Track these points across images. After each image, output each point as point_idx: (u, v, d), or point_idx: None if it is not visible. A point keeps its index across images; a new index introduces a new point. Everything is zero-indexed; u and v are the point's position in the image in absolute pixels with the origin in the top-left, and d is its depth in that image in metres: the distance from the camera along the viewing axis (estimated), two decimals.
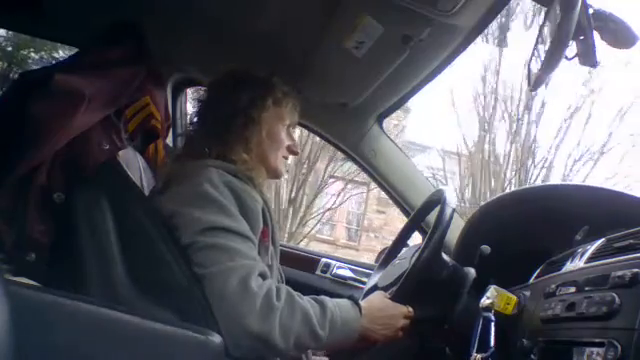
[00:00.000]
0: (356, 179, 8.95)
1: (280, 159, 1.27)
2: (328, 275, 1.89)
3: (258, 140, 1.22)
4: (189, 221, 1.07)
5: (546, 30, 1.04)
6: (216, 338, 1.00)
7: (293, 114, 1.30)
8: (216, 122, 1.21)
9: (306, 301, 1.06)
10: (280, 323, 1.01)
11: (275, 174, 1.28)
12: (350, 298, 1.14)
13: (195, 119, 1.28)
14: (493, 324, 1.06)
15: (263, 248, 1.15)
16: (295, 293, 1.07)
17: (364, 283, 1.57)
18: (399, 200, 1.80)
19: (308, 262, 1.93)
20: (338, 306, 1.09)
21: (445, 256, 1.26)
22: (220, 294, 1.01)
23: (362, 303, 1.14)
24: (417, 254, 1.21)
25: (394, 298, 1.18)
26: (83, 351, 0.97)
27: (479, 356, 1.04)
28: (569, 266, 1.01)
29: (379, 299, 1.18)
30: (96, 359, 0.98)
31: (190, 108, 1.91)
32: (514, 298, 1.08)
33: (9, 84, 1.16)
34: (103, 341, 0.98)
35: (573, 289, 0.89)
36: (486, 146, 8.78)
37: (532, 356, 0.95)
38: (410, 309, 1.16)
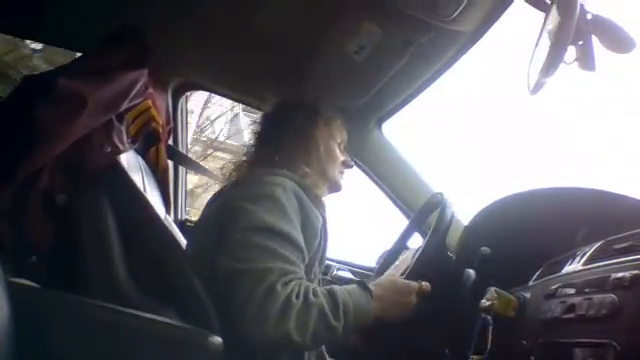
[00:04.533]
0: None
1: (338, 173, 1.36)
2: (328, 277, 1.90)
3: (317, 156, 1.32)
4: (250, 217, 1.09)
5: (545, 35, 1.05)
6: (216, 339, 1.01)
7: (342, 132, 1.40)
8: (279, 140, 1.30)
9: (321, 296, 1.07)
10: (297, 321, 1.01)
11: (335, 187, 1.37)
12: (359, 283, 1.14)
13: (257, 136, 1.37)
14: (490, 327, 1.06)
15: (311, 265, 1.18)
16: (311, 287, 1.07)
17: None
18: (399, 202, 1.80)
19: None
20: (348, 294, 1.10)
21: (448, 252, 1.27)
22: (247, 294, 1.02)
23: (371, 286, 1.14)
24: (421, 248, 1.22)
25: None
26: (84, 352, 0.97)
27: (476, 357, 1.05)
28: (569, 268, 1.02)
29: (388, 279, 1.19)
30: None
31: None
32: (514, 300, 1.08)
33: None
34: (104, 342, 0.98)
35: (573, 291, 0.90)
36: None
37: (532, 357, 0.95)
38: (424, 283, 1.15)
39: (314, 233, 1.16)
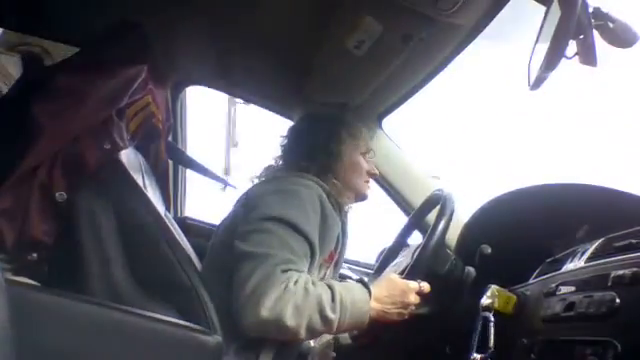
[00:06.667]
0: None
1: (363, 184, 1.39)
2: None
3: (342, 169, 1.35)
4: (269, 207, 1.15)
5: (546, 29, 1.04)
6: (216, 338, 1.01)
7: (367, 141, 1.43)
8: (306, 156, 1.33)
9: (319, 287, 1.08)
10: (293, 306, 1.03)
11: (361, 197, 1.40)
12: (360, 281, 1.16)
13: (284, 149, 1.40)
14: (492, 324, 1.06)
15: (324, 267, 1.23)
16: (310, 279, 1.09)
17: None
18: (399, 199, 1.80)
19: None
20: (347, 290, 1.11)
21: (448, 250, 1.26)
22: (247, 275, 1.05)
23: (371, 286, 1.15)
24: (421, 246, 1.22)
25: None
26: (83, 351, 0.97)
27: (479, 356, 1.04)
28: (569, 265, 1.02)
29: (387, 279, 1.20)
30: (96, 359, 0.98)
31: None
32: (514, 297, 1.08)
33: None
34: (103, 341, 0.98)
35: (573, 288, 0.89)
36: None
37: (532, 355, 0.95)
38: (423, 283, 1.17)
39: (330, 238, 1.21)
